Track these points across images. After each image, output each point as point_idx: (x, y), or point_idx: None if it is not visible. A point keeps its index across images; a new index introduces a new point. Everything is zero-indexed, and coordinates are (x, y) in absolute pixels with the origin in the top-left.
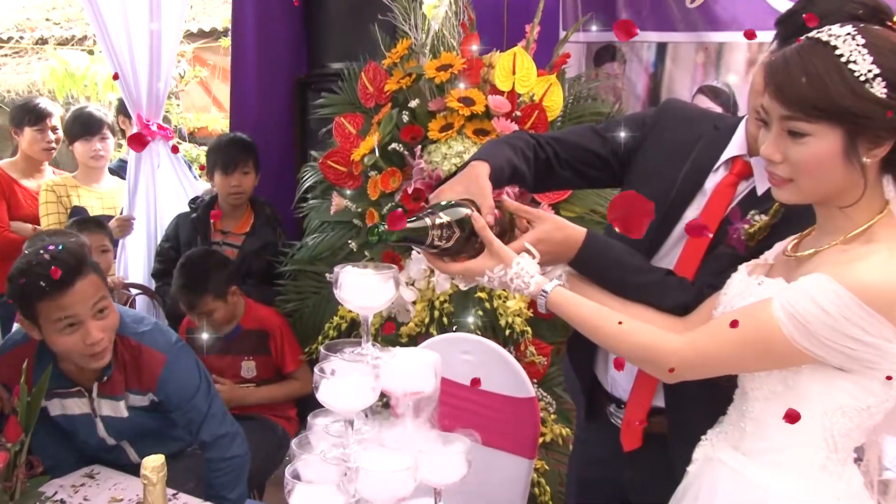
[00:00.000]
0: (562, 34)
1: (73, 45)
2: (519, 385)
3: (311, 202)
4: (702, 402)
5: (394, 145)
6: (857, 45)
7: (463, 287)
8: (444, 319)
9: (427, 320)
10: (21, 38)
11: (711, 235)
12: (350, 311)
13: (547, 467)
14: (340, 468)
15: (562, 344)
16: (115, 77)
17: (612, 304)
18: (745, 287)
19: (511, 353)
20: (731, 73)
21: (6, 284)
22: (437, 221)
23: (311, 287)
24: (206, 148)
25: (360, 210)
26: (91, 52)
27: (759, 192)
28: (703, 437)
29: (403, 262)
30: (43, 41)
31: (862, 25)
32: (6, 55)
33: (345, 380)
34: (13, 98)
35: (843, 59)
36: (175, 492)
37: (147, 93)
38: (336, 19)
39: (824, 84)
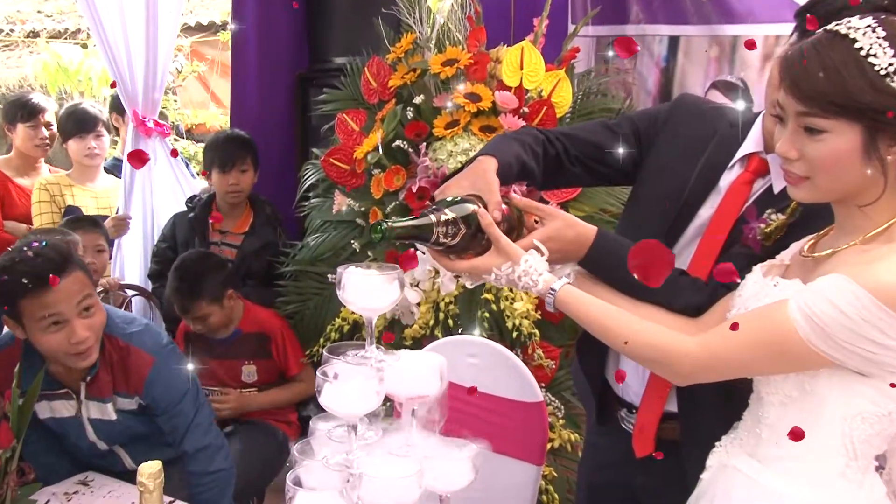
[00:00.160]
0: (571, 28)
1: (65, 38)
2: (526, 389)
3: (312, 201)
4: (716, 406)
5: (398, 142)
6: (878, 37)
7: (469, 285)
8: (450, 321)
9: (432, 322)
10: (11, 30)
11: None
12: (353, 313)
13: (555, 474)
14: (343, 474)
15: (570, 347)
16: (113, 85)
17: (623, 304)
18: (760, 288)
19: (518, 356)
20: (746, 67)
21: None
22: (443, 218)
23: (312, 288)
24: (203, 145)
25: (363, 209)
26: (85, 46)
27: (776, 190)
28: (717, 443)
29: None
30: (34, 34)
31: (883, 17)
32: None
33: (348, 383)
34: (4, 93)
35: (863, 53)
36: (172, 499)
37: (143, 88)
38: (339, 13)
39: (842, 78)
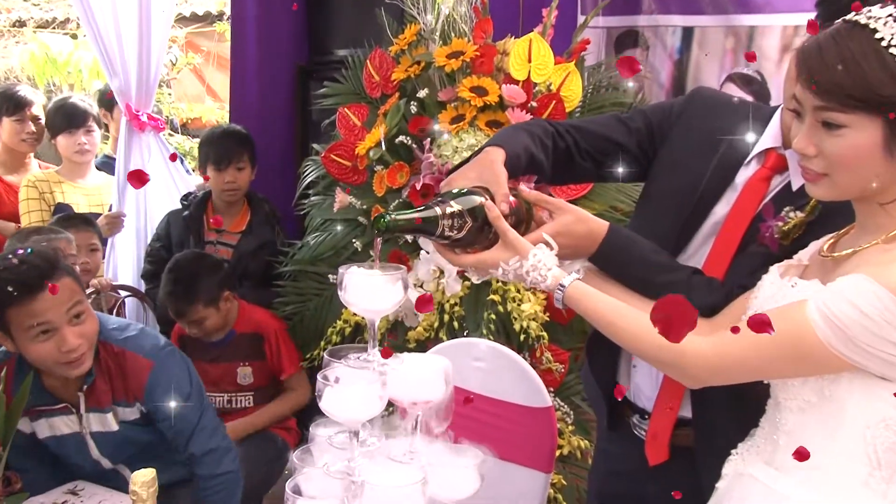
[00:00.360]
0: (580, 19)
1: (53, 27)
2: (534, 394)
3: (312, 199)
4: (732, 412)
5: (401, 138)
6: None
7: (475, 280)
8: (455, 324)
9: (436, 324)
10: None
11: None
12: (354, 315)
13: (564, 482)
14: (344, 482)
15: (580, 350)
16: (110, 96)
17: (634, 302)
18: (777, 289)
19: (526, 359)
20: (764, 59)
21: None
22: (448, 210)
23: (312, 289)
24: (199, 140)
25: (365, 207)
26: (74, 37)
27: (795, 187)
28: (732, 451)
29: (412, 263)
30: (21, 23)
31: None
32: None
33: (350, 388)
34: None
35: (884, 44)
36: None
37: (136, 81)
38: (340, 3)
39: (862, 71)
